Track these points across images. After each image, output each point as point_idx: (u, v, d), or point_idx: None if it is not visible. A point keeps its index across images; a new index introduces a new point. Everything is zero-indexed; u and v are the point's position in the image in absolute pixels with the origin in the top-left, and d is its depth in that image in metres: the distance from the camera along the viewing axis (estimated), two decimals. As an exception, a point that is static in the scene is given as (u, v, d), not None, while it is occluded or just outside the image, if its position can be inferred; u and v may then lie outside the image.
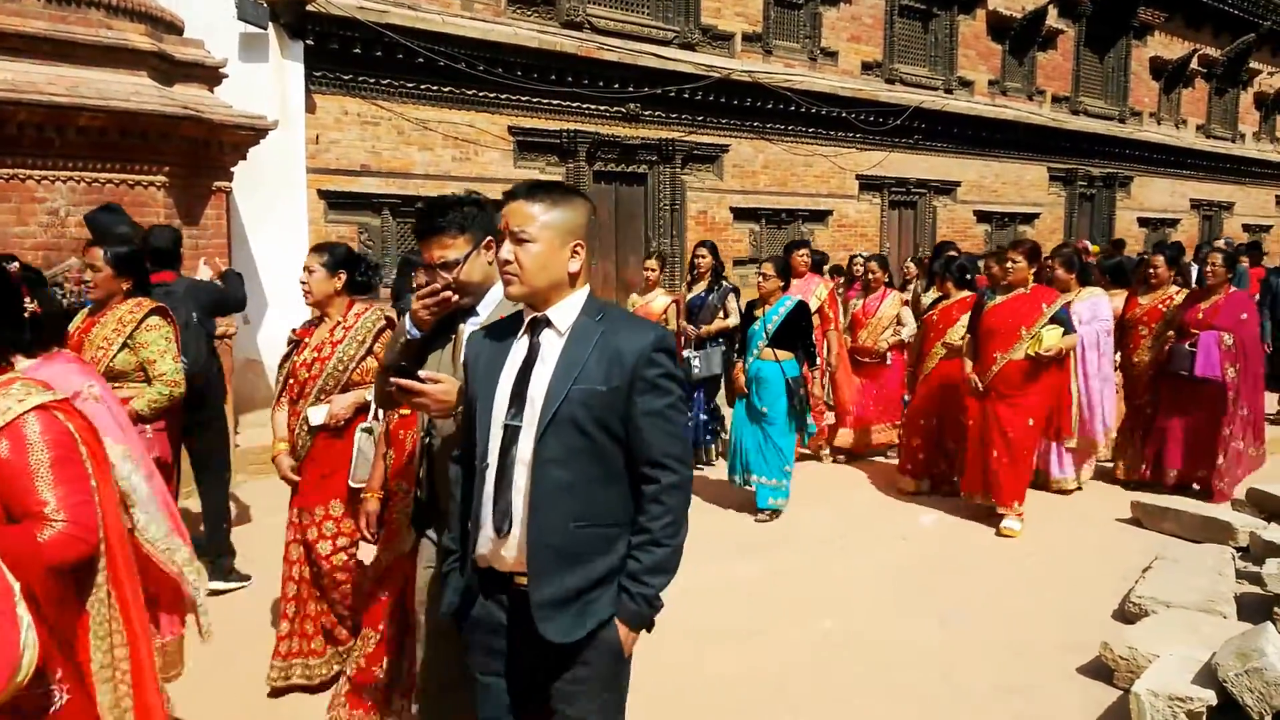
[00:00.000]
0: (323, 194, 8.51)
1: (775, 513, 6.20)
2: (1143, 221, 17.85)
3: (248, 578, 5.13)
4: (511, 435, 2.18)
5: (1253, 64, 19.75)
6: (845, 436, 7.95)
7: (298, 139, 8.24)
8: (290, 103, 8.14)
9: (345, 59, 8.49)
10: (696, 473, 6.98)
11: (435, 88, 9.05)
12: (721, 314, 7.34)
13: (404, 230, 9.06)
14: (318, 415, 3.71)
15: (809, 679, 4.00)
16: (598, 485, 2.18)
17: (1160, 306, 6.96)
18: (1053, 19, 15.23)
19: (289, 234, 8.19)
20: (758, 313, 6.25)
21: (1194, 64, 18.30)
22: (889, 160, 13.30)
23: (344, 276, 3.78)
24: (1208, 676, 3.26)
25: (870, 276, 7.88)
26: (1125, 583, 4.88)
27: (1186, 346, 6.52)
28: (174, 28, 6.63)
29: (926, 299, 7.65)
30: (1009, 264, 5.98)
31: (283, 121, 7.59)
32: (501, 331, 2.33)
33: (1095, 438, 6.88)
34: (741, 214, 11.72)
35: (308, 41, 8.22)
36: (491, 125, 9.53)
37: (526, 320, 2.26)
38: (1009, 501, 5.91)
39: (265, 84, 7.97)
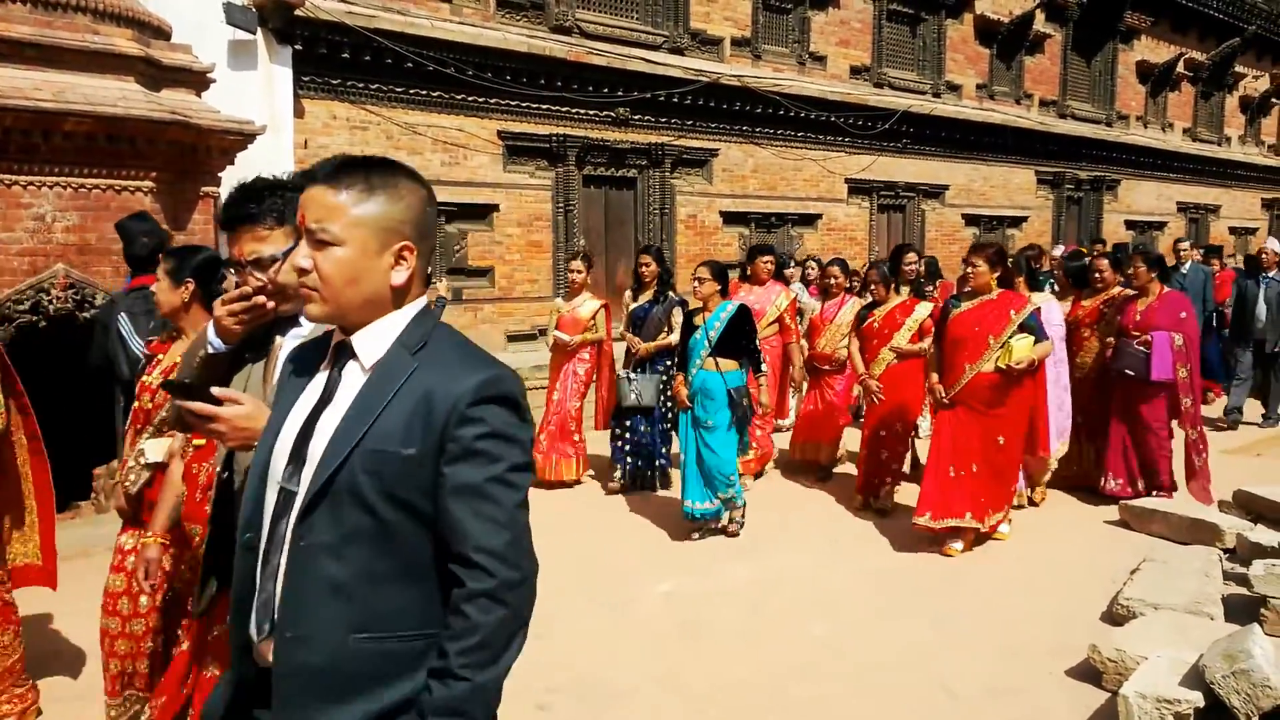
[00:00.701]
0: (311, 199, 8.47)
1: (720, 520, 5.93)
2: (1130, 224, 17.94)
3: None
4: (285, 502, 1.62)
5: (1238, 68, 19.88)
6: (800, 448, 7.67)
7: (286, 144, 8.21)
8: (278, 107, 8.12)
9: (334, 64, 8.47)
10: (662, 494, 6.89)
11: (424, 92, 9.04)
12: (666, 329, 6.80)
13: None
14: (155, 450, 3.11)
15: (801, 682, 4.01)
16: (390, 584, 1.57)
17: (1104, 309, 6.90)
18: (1040, 23, 15.30)
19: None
20: (698, 320, 5.93)
21: (1180, 68, 18.40)
22: (878, 164, 13.34)
23: (191, 286, 3.22)
24: (1195, 678, 3.28)
25: (830, 281, 7.55)
26: (1113, 585, 4.90)
27: (1137, 347, 6.41)
28: (161, 33, 6.60)
29: (854, 306, 7.27)
30: (970, 269, 5.71)
31: (271, 126, 7.57)
32: (311, 355, 1.76)
33: (1048, 450, 6.51)
34: (731, 218, 11.74)
35: (296, 46, 8.19)
36: (481, 130, 9.52)
37: (331, 346, 1.71)
38: (993, 513, 5.64)
39: (253, 89, 7.94)
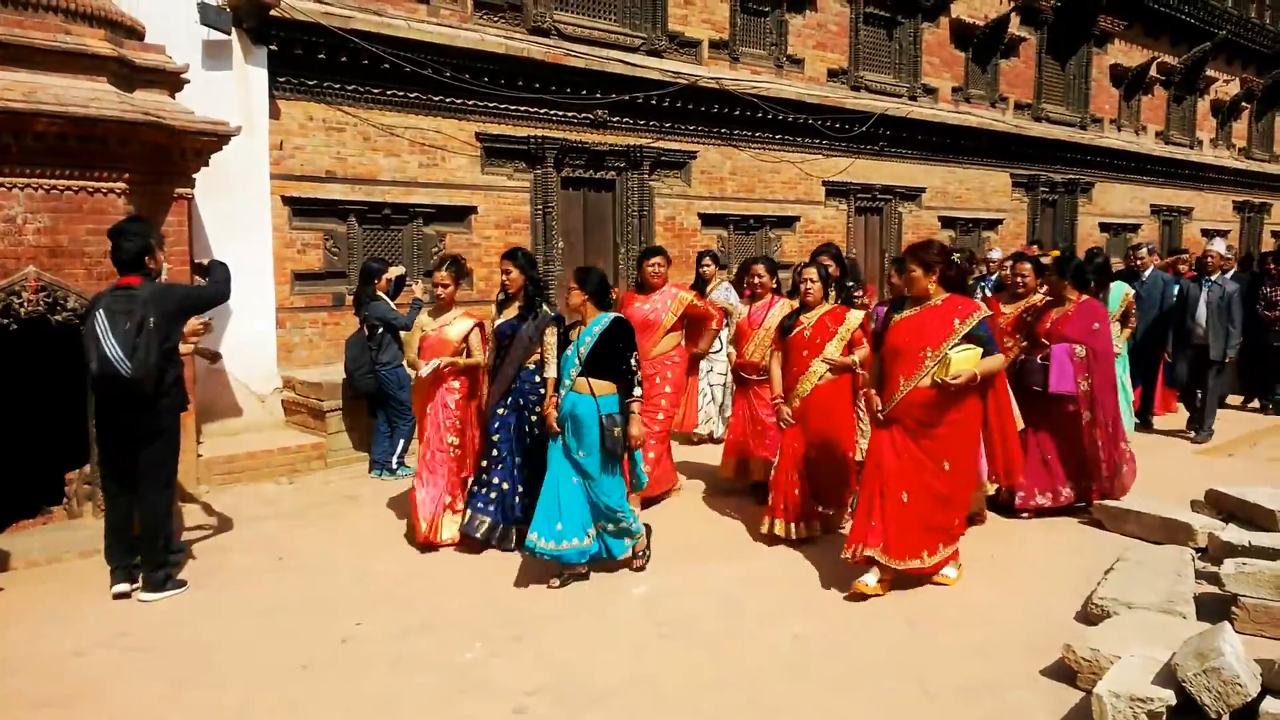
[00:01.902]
0: (287, 200, 8.43)
1: (643, 553, 5.37)
2: (1104, 227, 18.12)
3: (183, 584, 5.12)
4: None
5: (1209, 72, 20.12)
6: (726, 464, 6.92)
7: (261, 145, 8.16)
8: (254, 109, 8.06)
9: (310, 65, 8.43)
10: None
11: (401, 93, 9.01)
12: (536, 354, 5.65)
13: (370, 237, 9.00)
14: None
15: (778, 683, 4.01)
16: None
17: (1027, 317, 6.56)
18: (1015, 27, 15.44)
19: (253, 241, 8.11)
20: (573, 335, 5.21)
21: (1153, 71, 18.62)
22: (855, 166, 13.41)
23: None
24: (1168, 677, 3.31)
25: (755, 281, 6.70)
26: (1087, 584, 4.94)
27: (1038, 360, 6.21)
28: (134, 33, 6.54)
29: (783, 309, 6.50)
30: (909, 272, 5.00)
31: (246, 128, 7.51)
32: None
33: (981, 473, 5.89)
34: (709, 220, 11.76)
35: (271, 47, 8.14)
36: (458, 131, 9.50)
37: None
38: (937, 548, 4.98)
39: (228, 90, 7.89)
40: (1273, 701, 3.19)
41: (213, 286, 5.38)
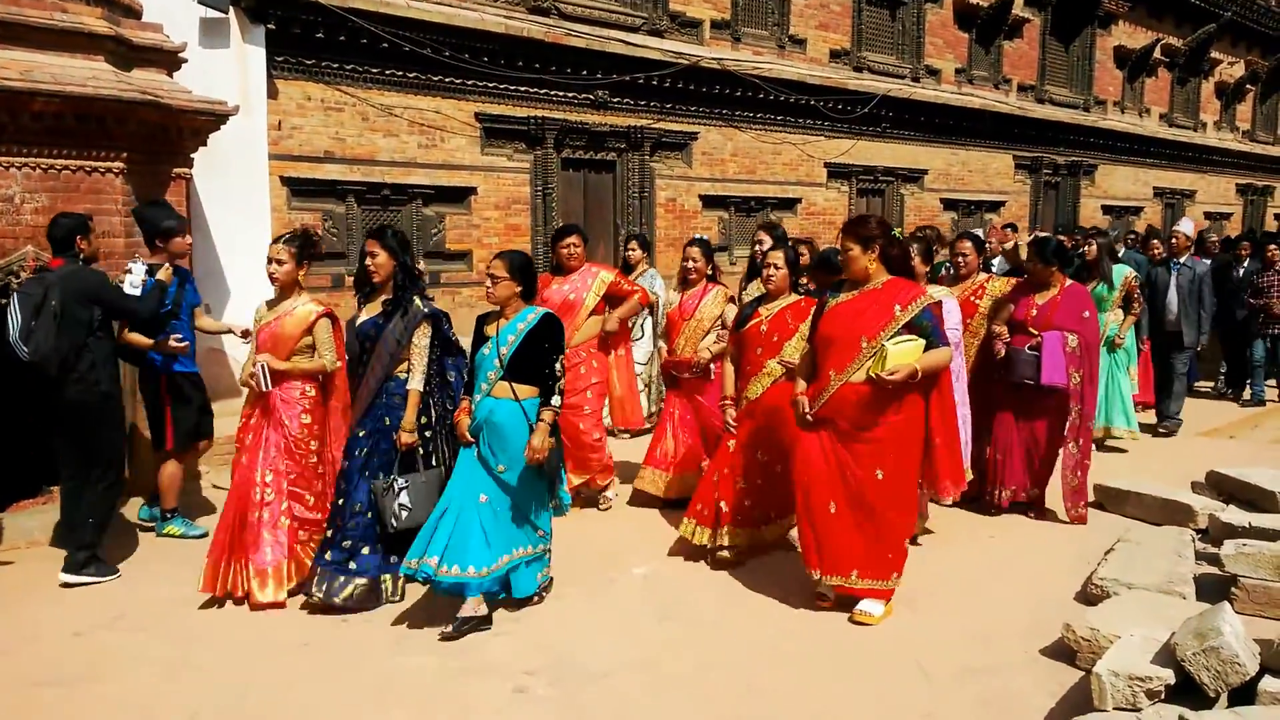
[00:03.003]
0: (286, 181, 8.39)
1: (543, 589, 4.63)
2: (1107, 209, 18.05)
3: (114, 571, 5.05)
4: None
5: (1213, 54, 19.99)
6: (654, 480, 6.12)
7: (260, 125, 8.11)
8: (252, 88, 8.01)
9: (308, 44, 8.37)
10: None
11: (400, 73, 8.95)
12: (406, 361, 4.64)
13: (369, 218, 8.96)
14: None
15: (776, 665, 4.02)
16: None
17: (973, 299, 6.03)
18: (1019, 8, 15.32)
19: (251, 222, 8.07)
20: (489, 330, 4.45)
21: (1157, 53, 18.49)
22: (857, 148, 13.34)
23: None
24: (1167, 656, 3.31)
25: (688, 265, 6.03)
26: (1088, 565, 4.94)
27: (1028, 351, 5.70)
28: (131, 11, 6.50)
29: (718, 297, 6.00)
30: (845, 251, 4.40)
31: (244, 107, 7.47)
32: None
33: (947, 492, 5.15)
34: (711, 201, 11.71)
35: (269, 26, 8.08)
36: (458, 111, 9.44)
37: None
38: (869, 576, 4.37)
39: (226, 69, 7.84)
40: (1271, 680, 3.19)
41: (135, 301, 5.19)
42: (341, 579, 4.50)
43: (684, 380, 6.05)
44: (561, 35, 9.81)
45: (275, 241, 4.80)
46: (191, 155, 6.71)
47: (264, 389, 4.60)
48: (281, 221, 8.41)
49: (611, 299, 6.11)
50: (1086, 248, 7.89)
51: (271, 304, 4.86)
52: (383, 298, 4.72)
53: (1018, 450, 5.91)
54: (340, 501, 4.61)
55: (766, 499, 5.18)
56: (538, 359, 4.37)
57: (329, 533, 4.61)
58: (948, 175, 14.88)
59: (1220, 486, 6.12)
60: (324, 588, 4.46)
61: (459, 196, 9.57)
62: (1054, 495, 6.03)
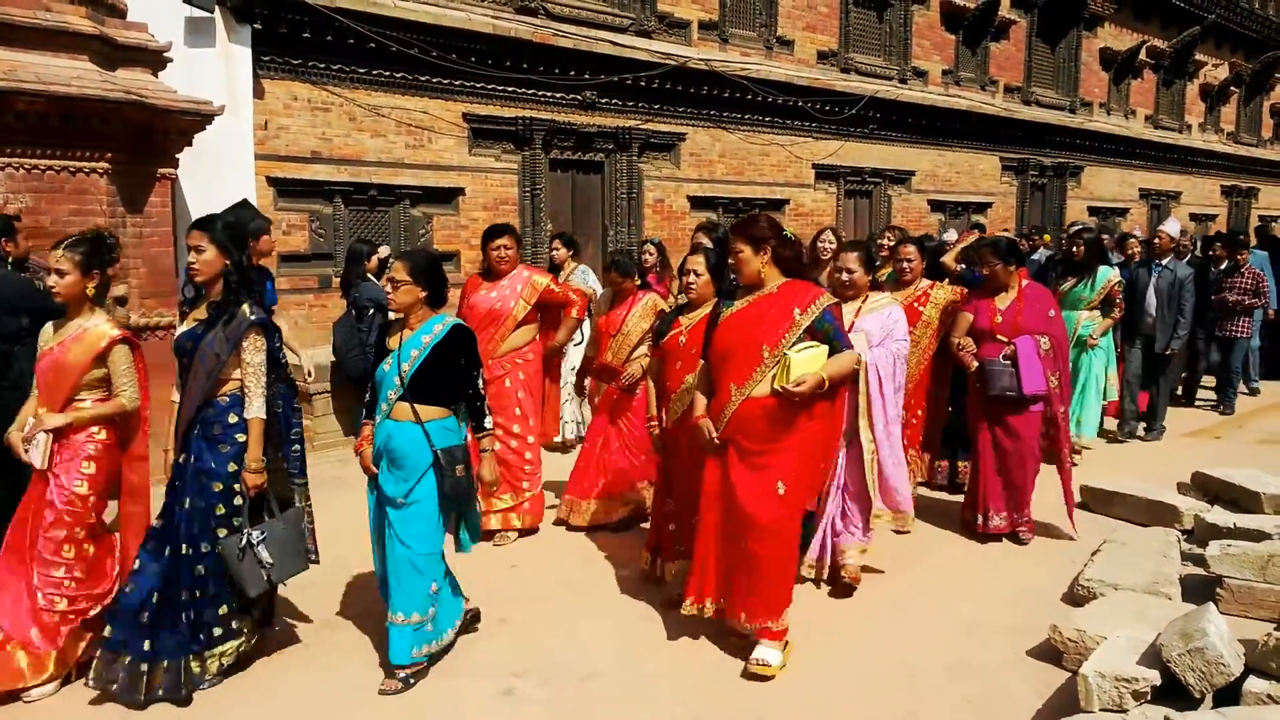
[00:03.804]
0: (272, 181, 8.35)
1: (416, 670, 3.86)
2: (1093, 210, 18.13)
3: None
4: None
5: (1198, 56, 20.12)
6: (578, 508, 5.67)
7: (246, 125, 8.07)
8: (237, 88, 7.97)
9: (294, 43, 8.33)
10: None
11: (388, 73, 8.92)
12: (231, 381, 3.79)
13: (356, 218, 8.93)
14: None
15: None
16: None
17: (917, 306, 5.77)
18: (1005, 9, 15.39)
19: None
20: (391, 343, 3.93)
21: (1142, 55, 18.61)
22: (845, 149, 13.37)
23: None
24: (1153, 657, 3.32)
25: (612, 275, 5.62)
26: (1074, 566, 4.96)
27: (1001, 361, 5.31)
28: (116, 10, 6.46)
29: (648, 306, 5.62)
30: (736, 254, 4.01)
31: (230, 107, 7.44)
32: None
33: (901, 507, 4.99)
34: (699, 203, 11.72)
35: (255, 25, 8.04)
36: (445, 112, 9.42)
37: None
38: (760, 617, 3.91)
39: (212, 68, 7.80)
40: (1256, 681, 3.21)
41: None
42: (130, 661, 3.63)
43: (610, 400, 5.60)
44: (549, 35, 9.80)
45: (55, 247, 3.83)
46: (177, 155, 6.68)
47: (38, 465, 3.73)
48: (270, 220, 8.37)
49: (544, 307, 5.61)
50: (1075, 249, 7.62)
51: (58, 325, 3.89)
52: (205, 301, 3.86)
53: (1004, 469, 5.47)
54: (137, 565, 3.76)
55: (682, 532, 4.61)
56: (449, 376, 3.88)
57: (115, 608, 3.75)
58: (935, 176, 14.93)
59: (1206, 487, 6.16)
60: (104, 674, 3.64)
61: (447, 197, 9.55)
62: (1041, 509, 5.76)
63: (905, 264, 5.91)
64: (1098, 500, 6.18)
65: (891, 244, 6.82)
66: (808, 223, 12.94)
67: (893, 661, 4.05)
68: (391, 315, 4.13)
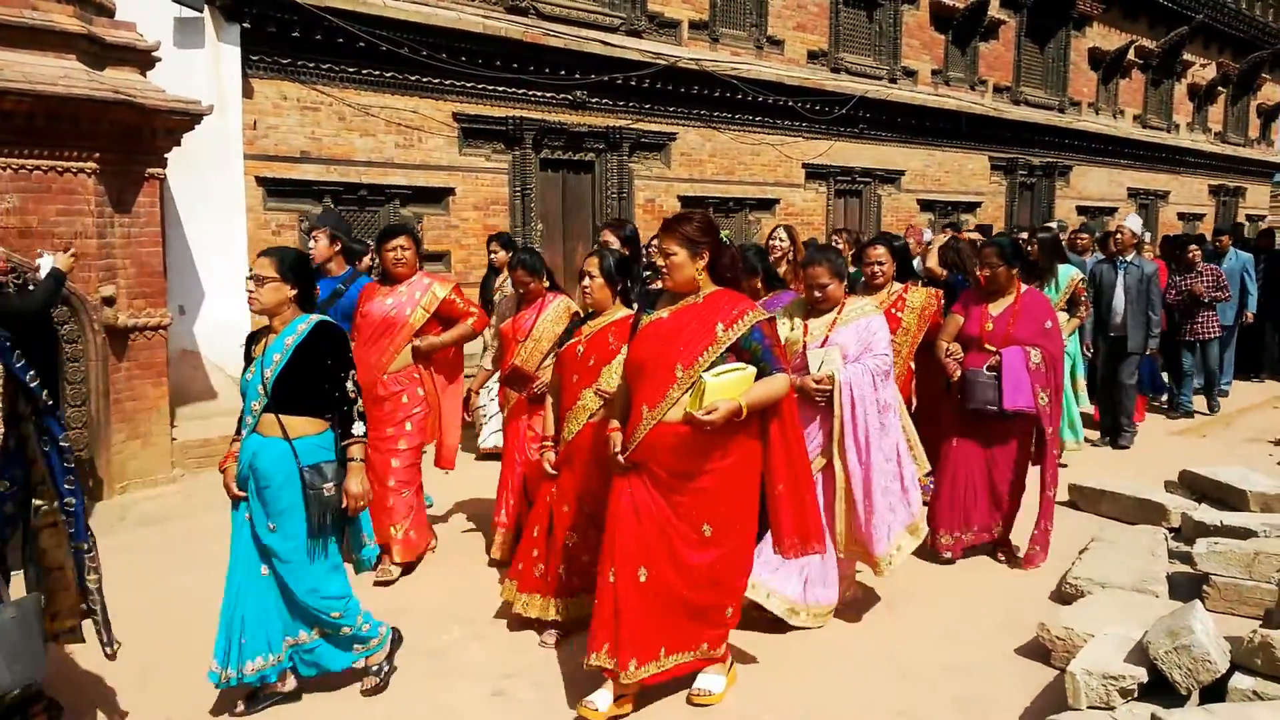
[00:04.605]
0: (261, 181, 8.33)
1: (381, 663, 3.79)
2: (1081, 210, 18.21)
3: None
4: None
5: (1186, 56, 20.22)
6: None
7: (235, 125, 8.06)
8: (226, 87, 7.96)
9: (284, 43, 8.31)
10: None
11: (377, 73, 8.91)
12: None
13: (347, 219, 8.90)
14: None
15: (752, 661, 4.02)
16: None
17: (894, 311, 5.19)
18: (994, 9, 15.44)
19: (226, 222, 8.02)
20: (256, 351, 3.60)
21: (1131, 55, 18.69)
22: (834, 149, 13.40)
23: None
24: (1140, 654, 3.34)
25: (519, 275, 4.98)
26: (1063, 564, 4.98)
27: (985, 372, 4.89)
28: (104, 9, 6.43)
29: (560, 310, 4.97)
30: (668, 256, 3.49)
31: (219, 107, 7.42)
32: None
33: (872, 547, 4.23)
34: (689, 202, 11.71)
35: (244, 24, 8.03)
36: (435, 111, 9.41)
37: None
38: (654, 650, 3.48)
39: (200, 68, 7.78)
40: (1241, 677, 3.23)
41: (17, 299, 4.99)
42: None
43: (521, 417, 4.95)
44: (540, 35, 9.80)
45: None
46: (165, 155, 6.66)
47: None
48: (257, 222, 8.36)
49: (446, 320, 5.08)
50: (1030, 247, 7.27)
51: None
52: None
53: (981, 487, 5.09)
54: None
55: (571, 567, 4.17)
56: (316, 381, 3.49)
57: None
58: (924, 176, 14.97)
59: (1193, 485, 6.20)
60: None
61: (437, 197, 9.54)
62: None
63: (876, 267, 5.30)
64: (1086, 498, 6.20)
65: (845, 246, 6.45)
66: (798, 222, 12.95)
67: (882, 660, 4.06)
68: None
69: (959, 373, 5.02)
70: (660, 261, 3.52)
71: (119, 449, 6.30)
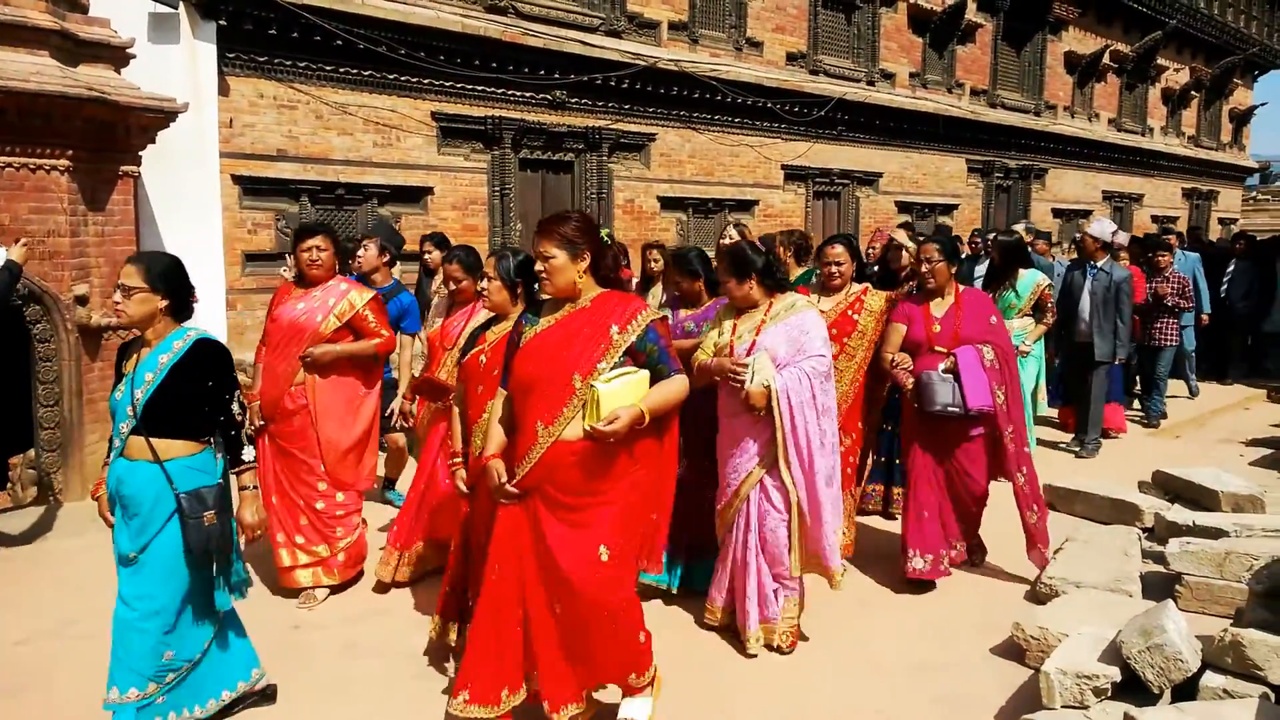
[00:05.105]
0: (237, 179, 8.27)
1: None
2: (1057, 212, 18.38)
3: None
4: None
5: (1160, 61, 20.44)
6: (389, 561, 4.71)
7: (210, 123, 7.99)
8: (202, 84, 7.88)
9: (260, 40, 8.25)
10: None
11: (355, 71, 8.86)
12: None
13: (323, 218, 8.85)
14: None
15: (730, 661, 4.03)
16: None
17: (851, 314, 4.95)
18: (972, 13, 15.54)
19: (202, 221, 7.95)
20: (126, 367, 3.27)
21: (1106, 59, 18.88)
22: (813, 151, 13.45)
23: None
24: (1113, 654, 3.37)
25: (452, 277, 4.60)
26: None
27: (941, 373, 4.64)
28: (78, 5, 6.35)
29: (477, 321, 4.41)
30: (546, 260, 3.20)
31: (194, 104, 7.35)
32: None
33: (825, 559, 4.04)
34: (669, 203, 11.74)
35: (220, 21, 7.96)
36: (414, 110, 9.37)
37: None
38: (572, 696, 3.22)
39: (176, 65, 7.70)
40: (1212, 675, 3.27)
41: None
42: None
43: (439, 425, 4.59)
44: (519, 35, 9.78)
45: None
46: (140, 153, 6.58)
47: None
48: (233, 220, 8.30)
49: (356, 333, 4.69)
50: (993, 255, 7.07)
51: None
52: None
53: (948, 500, 4.84)
54: None
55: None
56: (195, 403, 3.20)
57: None
58: (902, 178, 15.05)
59: (1166, 486, 6.26)
60: None
61: (415, 196, 9.49)
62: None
63: (834, 267, 5.00)
64: (1060, 498, 6.25)
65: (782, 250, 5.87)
66: (777, 224, 13.00)
67: (859, 660, 4.08)
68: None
69: (911, 381, 4.73)
70: (538, 266, 3.24)
71: (92, 449, 6.22)
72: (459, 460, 3.88)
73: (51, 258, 5.93)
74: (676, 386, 3.25)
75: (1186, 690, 3.28)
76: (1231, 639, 3.28)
